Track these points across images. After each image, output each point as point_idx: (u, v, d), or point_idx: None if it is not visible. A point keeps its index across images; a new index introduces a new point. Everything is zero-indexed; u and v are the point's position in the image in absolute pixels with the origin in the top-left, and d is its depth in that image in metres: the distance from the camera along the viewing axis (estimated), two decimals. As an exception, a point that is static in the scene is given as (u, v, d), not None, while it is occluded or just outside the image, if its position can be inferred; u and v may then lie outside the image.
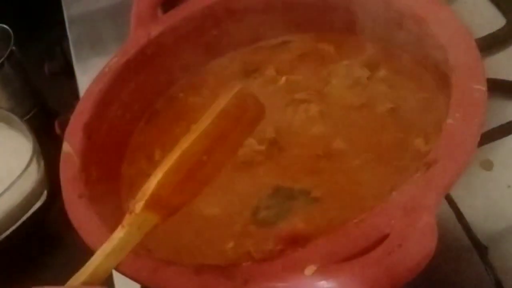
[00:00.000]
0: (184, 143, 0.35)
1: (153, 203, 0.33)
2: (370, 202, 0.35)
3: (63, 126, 0.49)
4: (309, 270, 0.29)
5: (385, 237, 0.29)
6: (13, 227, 0.62)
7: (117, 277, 0.45)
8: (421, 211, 0.30)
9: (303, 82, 0.48)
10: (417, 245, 0.28)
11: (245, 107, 0.37)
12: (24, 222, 0.63)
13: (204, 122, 0.36)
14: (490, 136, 0.44)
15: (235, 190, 0.42)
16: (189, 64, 0.52)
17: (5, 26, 0.69)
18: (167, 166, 0.34)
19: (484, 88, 0.35)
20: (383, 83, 0.44)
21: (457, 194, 0.42)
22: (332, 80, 0.46)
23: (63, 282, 0.30)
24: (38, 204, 0.64)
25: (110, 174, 0.47)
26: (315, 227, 0.38)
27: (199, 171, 0.35)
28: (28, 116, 0.75)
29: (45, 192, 0.64)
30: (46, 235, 0.65)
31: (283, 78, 0.48)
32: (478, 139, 0.33)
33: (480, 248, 0.39)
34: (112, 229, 0.38)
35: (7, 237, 0.62)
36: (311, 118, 0.45)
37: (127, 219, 0.33)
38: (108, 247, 0.32)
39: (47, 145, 0.64)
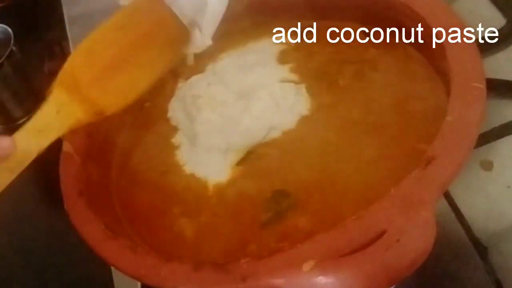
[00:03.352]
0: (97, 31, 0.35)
1: (67, 83, 0.32)
2: (368, 199, 0.35)
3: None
4: (307, 265, 0.29)
5: (383, 232, 0.29)
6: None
7: (117, 277, 0.45)
8: (420, 206, 0.30)
9: (312, 75, 0.47)
10: (415, 240, 0.28)
11: (162, 23, 0.37)
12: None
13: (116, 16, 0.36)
14: (490, 136, 0.44)
15: (236, 192, 0.42)
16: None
17: (5, 26, 0.69)
18: (79, 46, 0.34)
19: (483, 86, 0.35)
20: (385, 82, 0.45)
21: (457, 194, 0.42)
22: (339, 79, 0.46)
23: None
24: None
25: (110, 173, 0.47)
26: (316, 223, 0.38)
27: (121, 72, 0.35)
28: (28, 116, 0.74)
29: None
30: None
31: (292, 65, 0.48)
32: (477, 136, 0.33)
33: (480, 248, 0.39)
34: (110, 227, 0.38)
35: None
36: (315, 115, 0.45)
37: (46, 101, 0.32)
38: (29, 125, 0.32)
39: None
